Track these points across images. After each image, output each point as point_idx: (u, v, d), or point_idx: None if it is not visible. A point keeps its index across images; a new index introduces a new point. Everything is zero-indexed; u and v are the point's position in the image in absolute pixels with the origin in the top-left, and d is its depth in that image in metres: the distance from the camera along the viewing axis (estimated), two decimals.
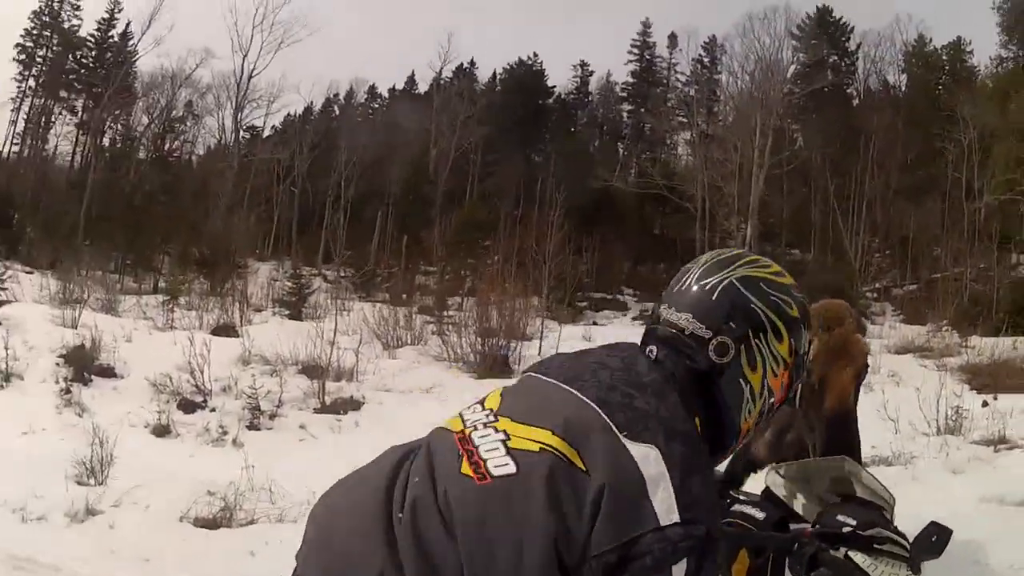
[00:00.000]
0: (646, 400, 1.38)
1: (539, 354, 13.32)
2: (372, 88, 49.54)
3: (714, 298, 1.51)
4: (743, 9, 50.63)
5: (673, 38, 46.04)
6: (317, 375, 10.70)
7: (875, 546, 2.13)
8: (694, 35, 44.80)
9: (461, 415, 1.51)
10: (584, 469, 1.29)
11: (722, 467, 2.51)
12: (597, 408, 1.37)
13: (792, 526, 2.36)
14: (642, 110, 45.20)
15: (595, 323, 24.26)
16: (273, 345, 11.50)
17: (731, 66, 37.38)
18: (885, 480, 6.03)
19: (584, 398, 1.39)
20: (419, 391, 11.27)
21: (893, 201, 32.66)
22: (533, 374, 1.56)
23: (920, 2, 72.88)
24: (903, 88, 40.77)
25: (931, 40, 42.02)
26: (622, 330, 22.00)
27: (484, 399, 1.54)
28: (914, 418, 9.26)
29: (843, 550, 2.15)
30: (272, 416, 9.38)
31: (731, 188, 28.98)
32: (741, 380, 1.50)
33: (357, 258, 32.44)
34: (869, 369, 3.31)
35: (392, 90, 49.37)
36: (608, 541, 1.24)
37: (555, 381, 1.47)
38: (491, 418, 1.45)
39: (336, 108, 48.59)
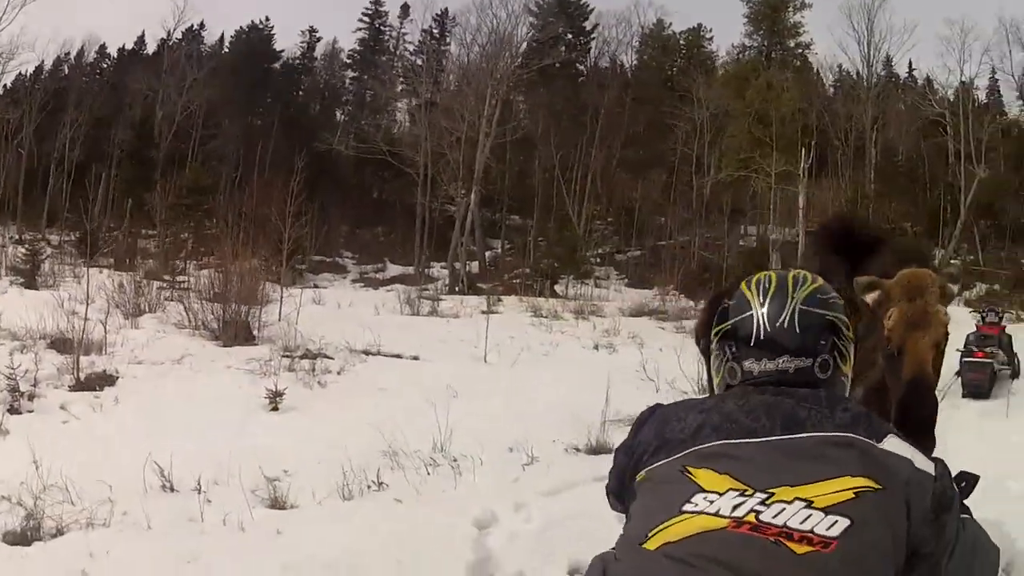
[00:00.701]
0: (844, 408, 1.55)
1: (280, 319, 13.59)
2: (102, 47, 46.07)
3: (798, 331, 1.64)
4: None
5: (406, 8, 46.22)
6: (68, 349, 10.26)
7: None
8: (431, 7, 45.32)
9: (698, 512, 1.45)
10: (884, 487, 1.43)
11: None
12: (846, 434, 1.49)
13: None
14: (365, 77, 45.34)
15: (315, 286, 24.01)
16: (21, 318, 11.01)
17: (464, 38, 38.18)
18: None
19: (828, 433, 1.50)
20: (170, 362, 10.89)
21: (616, 172, 34.36)
22: (723, 442, 1.54)
23: None
24: (631, 67, 43.19)
25: (670, 25, 44.86)
26: (343, 292, 22.74)
27: (696, 486, 1.49)
28: (674, 378, 9.76)
29: None
30: (31, 397, 8.60)
31: (456, 155, 29.67)
32: (843, 377, 1.69)
33: (80, 222, 30.30)
34: (948, 337, 3.15)
35: (121, 50, 46.10)
36: (932, 508, 1.45)
37: (774, 437, 1.52)
38: (760, 496, 1.44)
39: (66, 67, 44.90)
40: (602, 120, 34.39)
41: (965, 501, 2.09)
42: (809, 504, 1.38)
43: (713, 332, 1.75)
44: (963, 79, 41.15)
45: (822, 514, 1.36)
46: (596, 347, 13.43)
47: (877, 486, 1.40)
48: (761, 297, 1.67)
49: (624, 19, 43.07)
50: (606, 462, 4.61)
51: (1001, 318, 11.09)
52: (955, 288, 3.15)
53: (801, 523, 1.35)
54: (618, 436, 6.41)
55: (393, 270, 32.32)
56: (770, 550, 1.34)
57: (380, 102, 45.01)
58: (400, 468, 5.94)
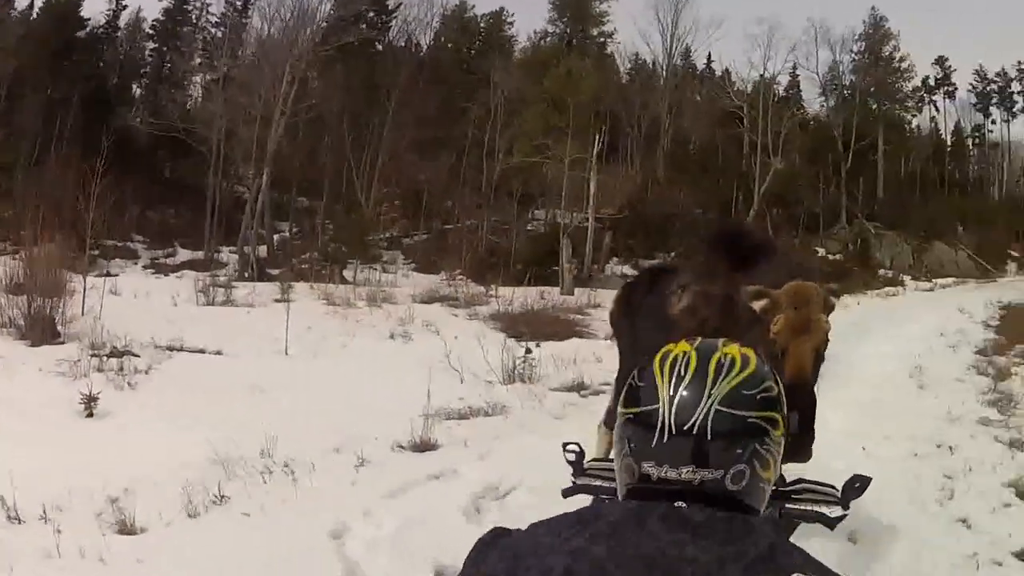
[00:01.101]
0: (738, 553, 1.29)
1: (83, 313, 13.07)
2: None
3: (709, 438, 1.39)
4: None
5: None
6: None
7: (794, 496, 2.52)
8: None
9: None
10: None
11: None
12: None
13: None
14: (165, 48, 44.11)
15: (108, 273, 23.00)
16: None
17: (266, 10, 37.67)
18: (494, 429, 7.34)
19: None
20: None
21: (405, 154, 34.91)
22: None
23: None
24: (427, 48, 44.17)
25: (473, 7, 46.29)
26: (136, 279, 22.15)
27: None
28: (477, 368, 10.15)
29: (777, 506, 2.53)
30: None
31: (251, 134, 29.47)
32: (761, 484, 1.44)
33: None
34: (828, 343, 3.85)
35: None
36: None
37: None
38: None
39: None
40: (395, 101, 34.88)
41: (871, 486, 2.54)
42: None
43: (620, 412, 1.51)
44: (765, 74, 45.37)
45: None
46: (392, 336, 13.70)
47: None
48: (672, 387, 1.43)
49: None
50: (435, 459, 6.04)
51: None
52: (835, 301, 3.93)
53: None
54: (440, 433, 7.36)
55: (183, 255, 31.64)
56: None
57: (178, 76, 43.86)
58: (235, 478, 5.93)
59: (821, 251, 40.56)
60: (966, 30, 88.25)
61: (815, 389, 3.85)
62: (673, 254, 33.92)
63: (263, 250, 29.46)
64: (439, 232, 32.13)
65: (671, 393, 1.41)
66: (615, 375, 5.75)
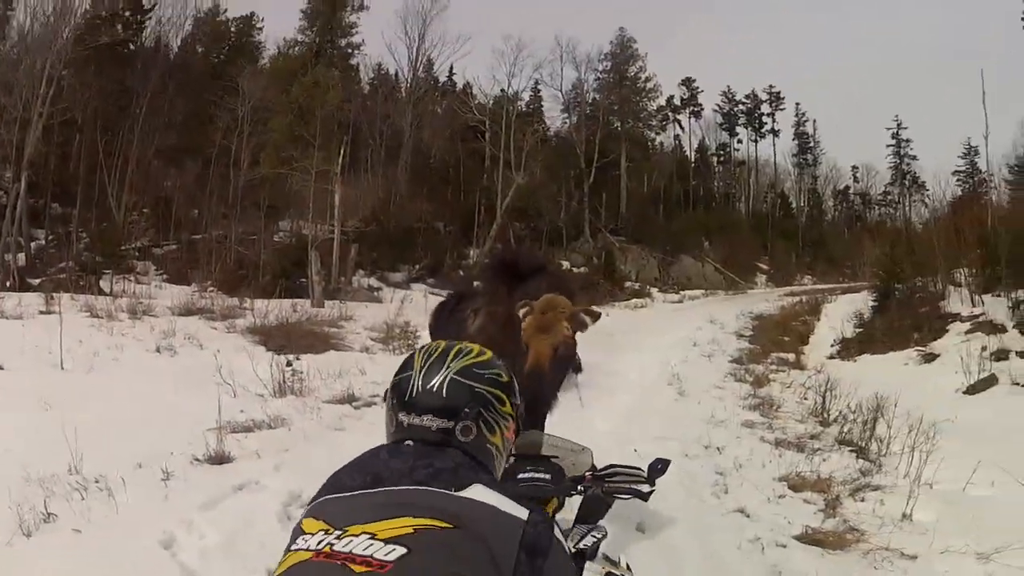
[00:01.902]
0: (443, 462, 2.00)
1: None
2: None
3: (445, 395, 2.08)
4: None
5: None
6: None
7: (609, 479, 3.39)
8: None
9: (296, 549, 1.90)
10: (455, 526, 1.84)
11: None
12: (417, 487, 1.93)
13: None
14: None
15: None
16: None
17: (30, 4, 36.27)
18: (280, 441, 8.52)
19: (400, 488, 1.94)
20: None
21: (152, 162, 35.41)
22: (329, 498, 2.03)
23: None
24: (176, 51, 44.52)
25: (225, 10, 47.94)
26: None
27: (300, 531, 1.95)
28: (246, 381, 10.90)
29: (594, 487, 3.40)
30: None
31: (10, 136, 28.33)
32: (488, 445, 2.15)
33: None
34: (568, 346, 4.95)
35: None
36: (525, 551, 1.86)
37: (359, 492, 1.98)
38: (336, 532, 1.87)
39: None
40: (145, 105, 34.96)
41: (659, 480, 3.44)
42: (372, 537, 1.80)
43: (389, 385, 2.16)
44: (508, 90, 48.60)
45: (382, 544, 1.78)
46: (159, 350, 14.00)
47: (444, 525, 1.82)
48: (423, 361, 2.14)
49: (182, 0, 44.72)
50: (234, 471, 7.19)
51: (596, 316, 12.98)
52: (589, 320, 4.99)
53: (364, 550, 1.78)
54: (231, 446, 7.93)
55: None
56: (336, 571, 1.77)
57: None
58: (54, 496, 6.18)
59: (565, 264, 42.79)
60: (714, 54, 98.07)
61: (555, 380, 5.03)
62: (418, 267, 36.37)
63: (20, 258, 28.26)
64: (188, 242, 32.14)
65: (422, 364, 2.14)
66: None
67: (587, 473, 3.53)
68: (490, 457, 2.17)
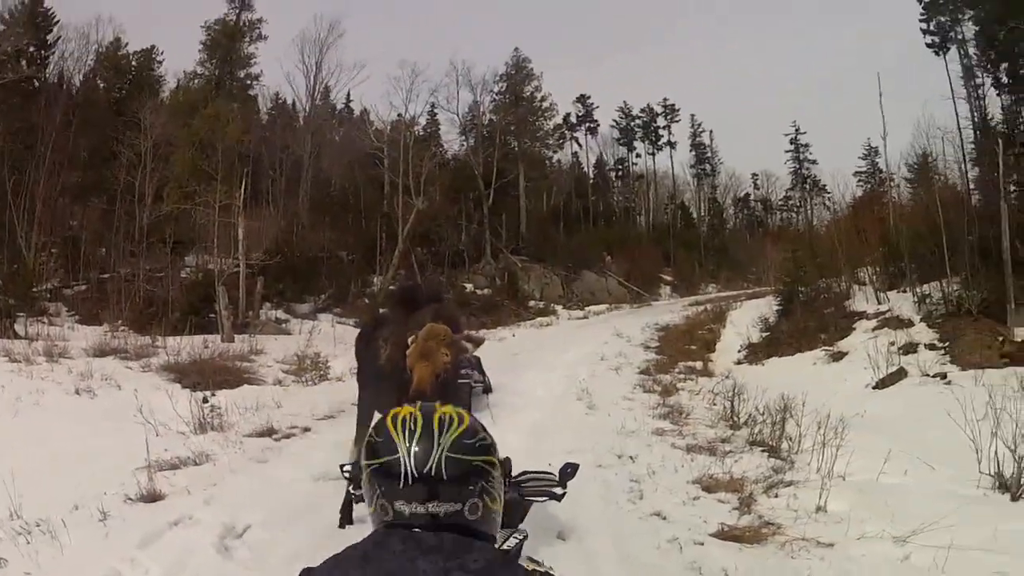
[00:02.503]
0: (475, 562, 1.84)
1: None
2: None
3: (445, 477, 1.92)
4: None
5: None
6: None
7: (524, 484, 3.53)
8: None
9: None
10: None
11: None
12: None
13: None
14: None
15: None
16: None
17: None
18: (207, 476, 8.91)
19: None
20: None
21: (59, 200, 34.71)
22: None
23: (123, 4, 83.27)
24: (79, 87, 43.94)
25: (127, 44, 47.61)
26: None
27: None
28: (166, 419, 11.22)
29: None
30: None
31: None
32: (493, 514, 2.05)
33: None
34: (448, 369, 5.37)
35: None
36: None
37: None
38: None
39: None
40: (50, 143, 34.23)
41: (574, 487, 3.57)
42: None
43: (364, 463, 2.03)
44: (406, 115, 49.25)
45: None
46: (78, 392, 13.98)
47: None
48: (407, 440, 1.95)
49: (83, 34, 44.13)
50: (167, 507, 7.55)
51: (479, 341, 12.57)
52: (470, 346, 5.64)
53: None
54: (161, 483, 8.18)
55: None
56: None
57: None
58: (1, 540, 6.38)
59: (469, 286, 43.96)
60: (609, 71, 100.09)
61: (438, 400, 4.59)
62: (323, 296, 36.92)
63: None
64: (98, 282, 31.79)
65: (408, 445, 1.93)
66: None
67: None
68: (496, 525, 2.11)
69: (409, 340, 5.72)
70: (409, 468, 1.93)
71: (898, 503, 7.50)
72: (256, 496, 8.08)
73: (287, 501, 8.02)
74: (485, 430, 2.09)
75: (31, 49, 41.51)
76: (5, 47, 36.12)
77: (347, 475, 3.53)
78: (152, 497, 7.92)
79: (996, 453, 8.20)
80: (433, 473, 1.93)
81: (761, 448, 10.37)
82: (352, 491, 3.86)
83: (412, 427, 1.98)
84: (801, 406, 11.14)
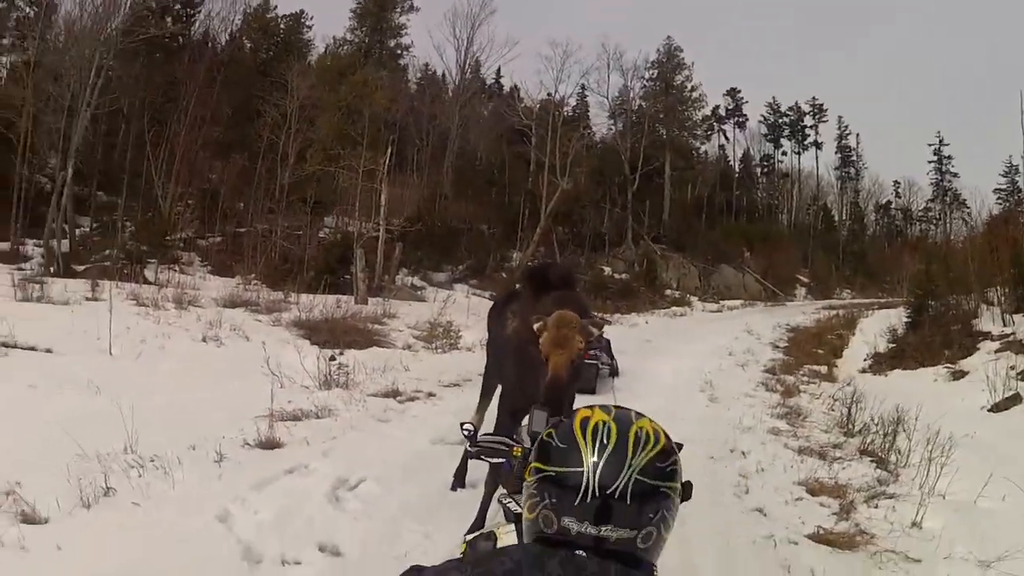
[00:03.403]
0: None
1: None
2: None
3: (629, 501, 1.70)
4: None
5: None
6: None
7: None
8: None
9: None
10: None
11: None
12: None
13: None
14: None
15: None
16: None
17: None
18: (327, 430, 8.92)
19: None
20: None
21: (199, 154, 35.00)
22: None
23: None
24: (224, 46, 44.30)
25: (276, 7, 47.94)
26: None
27: None
28: (292, 373, 11.25)
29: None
30: None
31: (58, 124, 28.64)
32: (662, 543, 1.80)
33: None
34: (582, 355, 5.26)
35: None
36: None
37: None
38: None
39: None
40: (193, 98, 34.54)
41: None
42: None
43: (533, 465, 1.82)
44: (555, 96, 48.44)
45: None
46: (205, 340, 14.02)
47: None
48: (596, 453, 1.72)
49: None
50: (284, 455, 7.63)
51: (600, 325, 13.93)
52: (595, 331, 5.23)
53: None
54: (281, 432, 8.18)
55: None
56: None
57: None
58: (112, 472, 6.30)
59: (607, 270, 43.42)
60: (761, 66, 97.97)
61: (571, 388, 5.47)
62: (461, 267, 36.71)
63: (65, 244, 28.22)
64: (233, 235, 32.25)
65: (595, 459, 1.72)
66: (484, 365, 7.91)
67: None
68: (659, 553, 1.84)
69: (535, 325, 5.28)
70: (592, 485, 1.71)
71: (991, 527, 7.30)
72: (373, 453, 8.10)
73: (402, 460, 8.06)
74: (677, 451, 1.85)
75: (176, 6, 42.04)
76: (150, 3, 35.42)
77: (467, 433, 3.54)
78: (271, 444, 7.93)
79: None
80: (617, 495, 1.71)
81: (870, 458, 10.17)
82: (469, 449, 3.61)
83: (604, 440, 1.76)
84: (914, 420, 10.86)
